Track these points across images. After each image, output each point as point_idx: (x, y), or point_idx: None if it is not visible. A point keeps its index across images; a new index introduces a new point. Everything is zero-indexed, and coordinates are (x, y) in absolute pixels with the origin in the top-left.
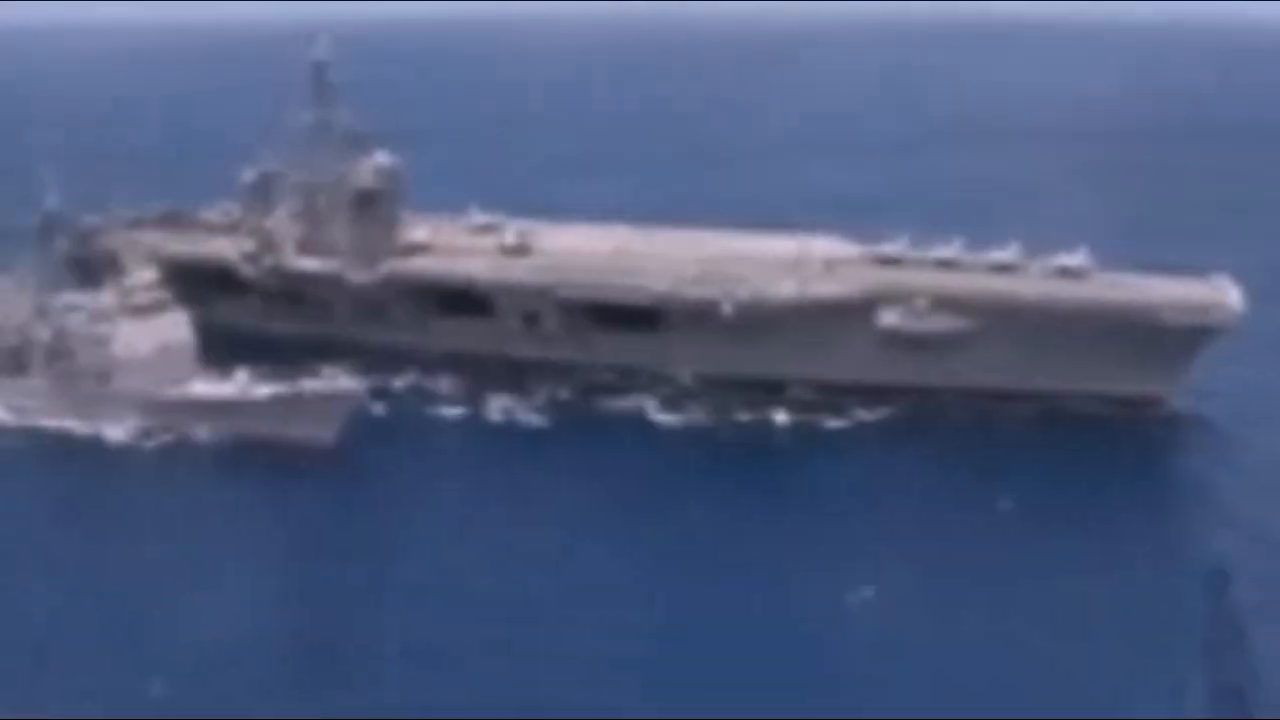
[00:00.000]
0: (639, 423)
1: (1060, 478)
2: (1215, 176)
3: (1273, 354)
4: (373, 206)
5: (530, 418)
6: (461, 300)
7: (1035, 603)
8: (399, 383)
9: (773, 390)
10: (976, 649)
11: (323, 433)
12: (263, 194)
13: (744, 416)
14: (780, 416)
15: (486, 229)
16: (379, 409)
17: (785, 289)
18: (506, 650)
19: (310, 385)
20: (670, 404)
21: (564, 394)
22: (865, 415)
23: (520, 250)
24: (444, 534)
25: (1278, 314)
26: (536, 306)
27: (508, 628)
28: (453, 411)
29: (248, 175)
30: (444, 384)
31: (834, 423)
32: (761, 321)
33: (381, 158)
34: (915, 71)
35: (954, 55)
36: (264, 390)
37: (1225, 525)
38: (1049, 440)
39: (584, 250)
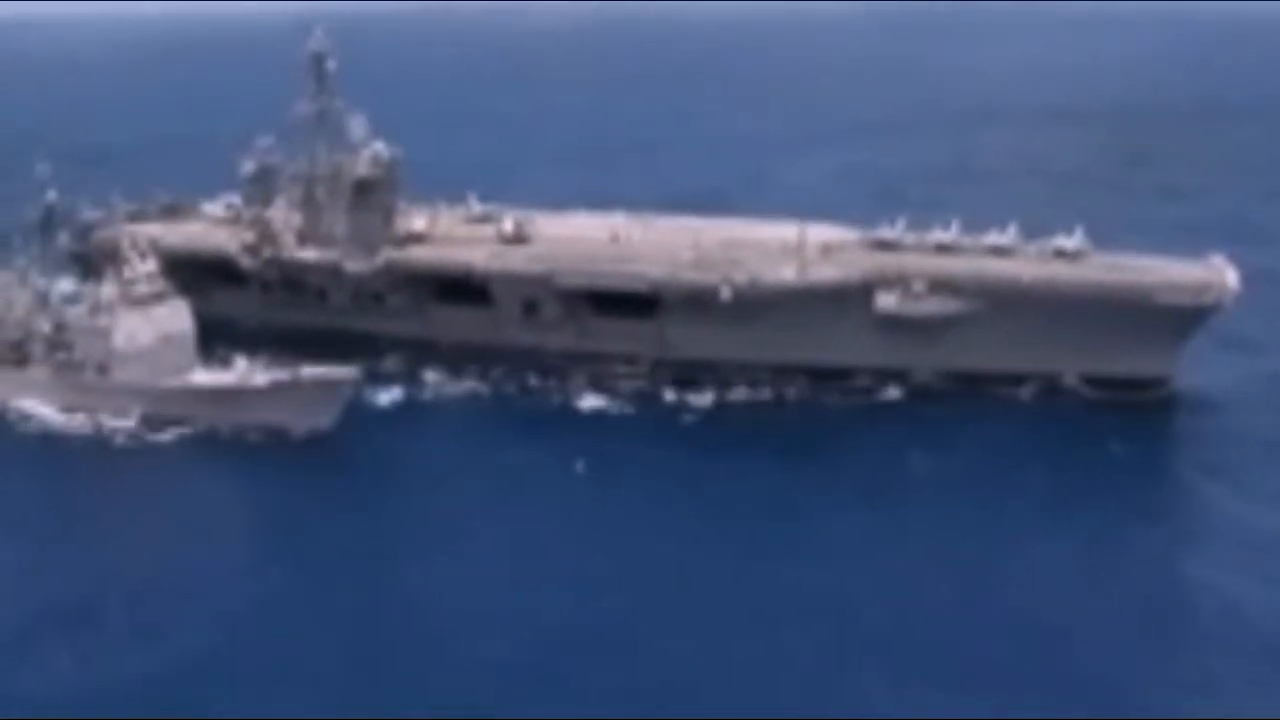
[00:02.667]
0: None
1: (1020, 460)
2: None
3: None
4: (370, 196)
5: (527, 404)
6: (460, 289)
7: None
8: (398, 371)
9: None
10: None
11: (321, 419)
12: (262, 186)
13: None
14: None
15: (485, 218)
16: (377, 396)
17: (783, 274)
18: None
19: (308, 372)
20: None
21: (559, 380)
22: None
23: (518, 239)
24: (439, 522)
25: None
26: (535, 294)
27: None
28: (450, 399)
29: (247, 167)
30: (442, 372)
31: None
32: (760, 306)
33: (379, 147)
34: (885, 57)
35: (923, 40)
36: (262, 378)
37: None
38: (1015, 421)
39: (582, 238)
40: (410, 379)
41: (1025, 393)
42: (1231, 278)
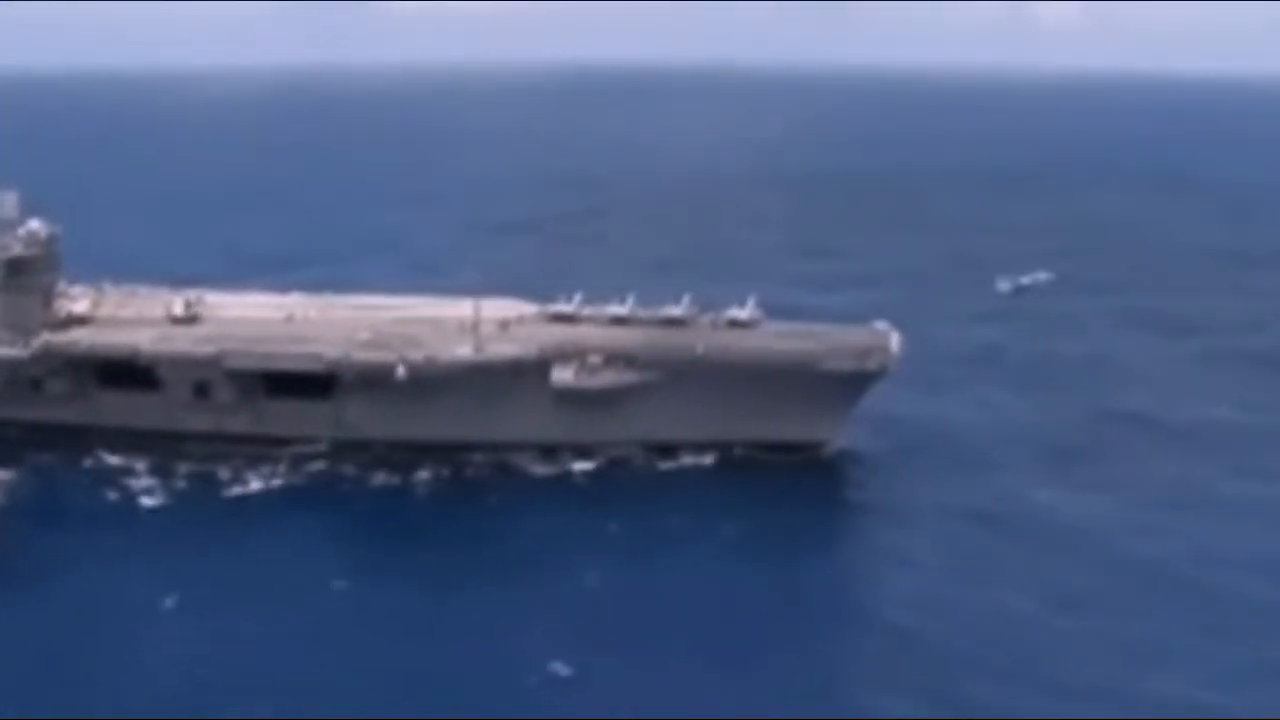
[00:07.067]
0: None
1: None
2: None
3: None
4: (26, 277)
5: (197, 490)
6: (126, 373)
7: None
8: (59, 463)
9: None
10: None
11: None
12: None
13: None
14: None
15: (153, 298)
16: (35, 492)
17: (460, 350)
18: None
19: None
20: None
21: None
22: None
23: (188, 319)
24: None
25: None
26: (206, 377)
27: None
28: (114, 494)
29: None
30: (109, 462)
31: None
32: (437, 384)
33: (35, 224)
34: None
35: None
36: None
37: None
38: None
39: (255, 318)
40: (69, 470)
41: (699, 460)
42: (895, 343)
